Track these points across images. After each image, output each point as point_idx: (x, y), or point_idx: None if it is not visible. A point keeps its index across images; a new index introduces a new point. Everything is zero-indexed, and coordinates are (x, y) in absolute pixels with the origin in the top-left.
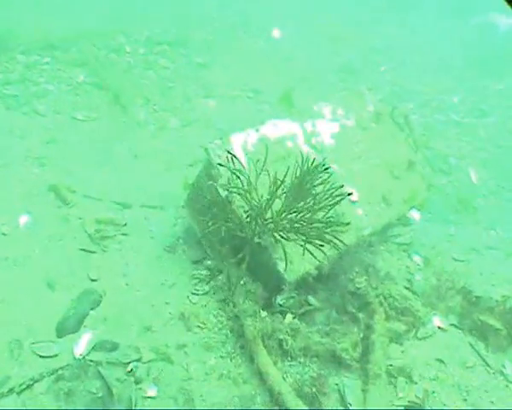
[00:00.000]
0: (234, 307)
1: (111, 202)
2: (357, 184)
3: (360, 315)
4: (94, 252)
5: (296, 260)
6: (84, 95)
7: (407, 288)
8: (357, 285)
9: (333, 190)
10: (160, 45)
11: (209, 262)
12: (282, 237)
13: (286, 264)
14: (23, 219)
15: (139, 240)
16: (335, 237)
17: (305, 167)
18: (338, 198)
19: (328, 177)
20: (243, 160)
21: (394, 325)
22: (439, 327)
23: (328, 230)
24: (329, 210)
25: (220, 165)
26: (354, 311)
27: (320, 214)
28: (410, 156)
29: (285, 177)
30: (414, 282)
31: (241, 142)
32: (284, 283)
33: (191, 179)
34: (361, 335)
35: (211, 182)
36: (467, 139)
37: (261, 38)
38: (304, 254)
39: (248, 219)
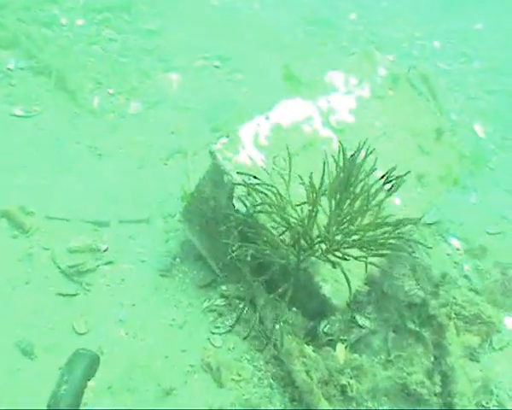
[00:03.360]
0: (273, 347)
1: (82, 222)
2: (387, 167)
3: (426, 334)
4: (75, 294)
5: (341, 278)
6: (19, 84)
7: (471, 289)
8: (410, 294)
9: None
10: (101, 13)
11: (223, 287)
12: (340, 258)
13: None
14: None
15: (129, 268)
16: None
17: (349, 162)
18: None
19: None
20: (259, 159)
21: (466, 337)
22: None
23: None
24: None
25: (240, 173)
26: (417, 329)
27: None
28: (437, 124)
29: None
30: (471, 277)
31: (252, 135)
32: (332, 309)
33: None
34: (431, 358)
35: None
36: (459, 89)
37: None
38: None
39: (290, 242)
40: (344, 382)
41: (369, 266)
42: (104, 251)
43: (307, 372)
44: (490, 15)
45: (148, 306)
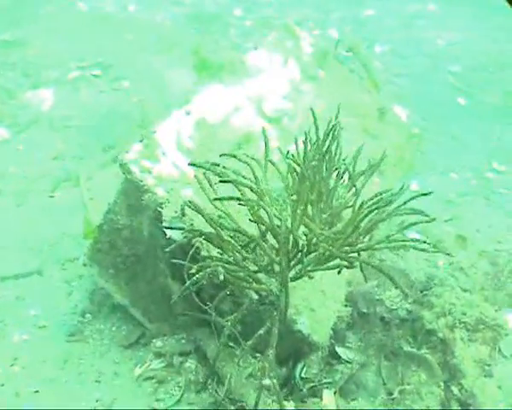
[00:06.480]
0: None
1: None
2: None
3: (428, 355)
4: None
5: (317, 304)
6: None
7: (464, 289)
8: (393, 307)
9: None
10: None
11: (158, 343)
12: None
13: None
14: None
15: (21, 340)
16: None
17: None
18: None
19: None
20: (186, 166)
21: (473, 349)
22: None
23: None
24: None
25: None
26: (416, 351)
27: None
28: (376, 103)
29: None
30: (454, 274)
31: (173, 137)
32: (313, 347)
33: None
34: (441, 384)
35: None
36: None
37: None
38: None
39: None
40: None
41: (340, 281)
42: None
43: None
44: (378, 1)
45: (57, 388)
